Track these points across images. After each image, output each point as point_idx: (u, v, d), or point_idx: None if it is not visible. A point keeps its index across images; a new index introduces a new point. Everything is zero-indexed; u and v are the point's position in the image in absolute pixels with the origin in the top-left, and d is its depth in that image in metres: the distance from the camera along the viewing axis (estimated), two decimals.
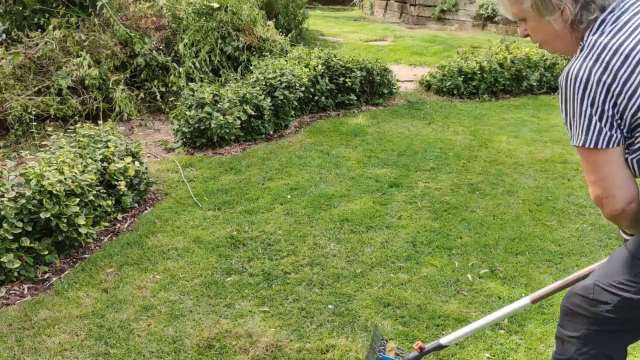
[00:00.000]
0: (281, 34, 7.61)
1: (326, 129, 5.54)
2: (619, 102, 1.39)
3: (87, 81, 5.37)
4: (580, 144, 1.45)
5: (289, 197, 3.97)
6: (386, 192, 4.09)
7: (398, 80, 7.00)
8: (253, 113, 5.06)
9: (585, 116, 1.42)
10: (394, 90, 6.77)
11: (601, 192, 1.47)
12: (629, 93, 1.38)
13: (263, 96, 5.21)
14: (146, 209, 3.79)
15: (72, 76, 5.32)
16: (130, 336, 2.50)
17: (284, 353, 2.41)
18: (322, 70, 6.08)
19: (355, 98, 6.32)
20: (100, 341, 2.47)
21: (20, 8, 5.82)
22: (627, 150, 1.45)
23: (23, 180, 3.08)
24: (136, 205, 3.82)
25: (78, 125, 4.08)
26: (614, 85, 1.38)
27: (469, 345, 2.48)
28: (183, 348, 2.42)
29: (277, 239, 3.39)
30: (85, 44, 5.63)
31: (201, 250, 3.25)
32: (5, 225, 2.86)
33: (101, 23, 5.97)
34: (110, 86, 5.51)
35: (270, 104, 5.26)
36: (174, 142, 5.09)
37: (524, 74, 7.12)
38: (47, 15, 5.84)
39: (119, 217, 3.65)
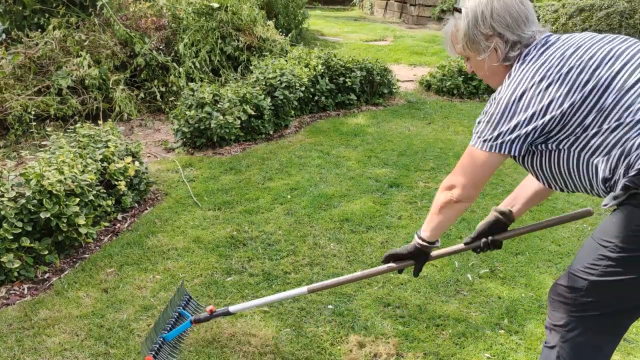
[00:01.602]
0: (281, 34, 7.61)
1: (326, 129, 5.54)
2: (535, 116, 1.59)
3: (87, 81, 5.37)
4: (485, 149, 1.67)
5: (289, 197, 3.97)
6: (386, 192, 4.09)
7: (398, 80, 7.01)
8: (253, 113, 5.07)
9: (499, 126, 1.64)
10: (394, 90, 6.77)
11: (462, 181, 1.73)
12: (544, 107, 1.58)
13: (263, 96, 5.21)
14: (146, 209, 3.79)
15: (72, 76, 5.32)
16: (130, 336, 2.50)
17: (284, 353, 2.41)
18: (322, 70, 6.09)
19: (355, 98, 6.32)
20: (100, 341, 2.46)
21: (20, 8, 5.82)
22: (551, 143, 1.64)
23: (23, 180, 3.08)
24: (136, 205, 3.82)
25: (78, 125, 4.08)
26: (531, 103, 1.59)
27: (469, 345, 2.48)
28: (182, 348, 2.42)
29: (277, 239, 3.39)
30: (85, 44, 5.63)
31: (201, 250, 3.25)
32: (5, 225, 2.86)
33: (101, 23, 5.97)
34: (110, 86, 5.51)
35: (270, 104, 5.26)
36: (174, 142, 5.09)
37: None
38: (47, 15, 5.84)
39: (119, 217, 3.65)
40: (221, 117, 4.82)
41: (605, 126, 1.53)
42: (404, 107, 6.45)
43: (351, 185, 4.19)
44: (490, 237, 2.02)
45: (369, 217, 3.68)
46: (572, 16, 9.08)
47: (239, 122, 4.96)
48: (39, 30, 5.74)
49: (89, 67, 5.43)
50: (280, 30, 8.34)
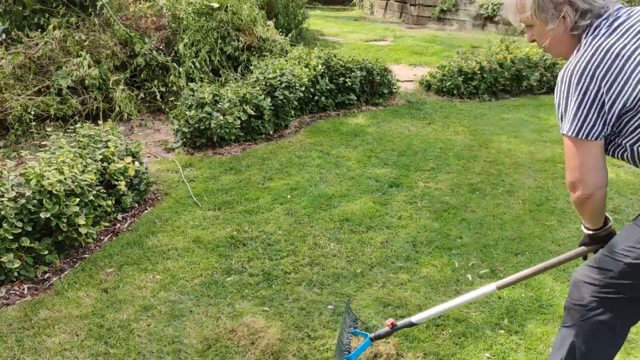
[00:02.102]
0: (281, 34, 7.61)
1: (326, 129, 5.54)
2: (609, 94, 1.54)
3: (87, 81, 5.37)
4: (569, 134, 1.61)
5: (289, 197, 3.97)
6: (386, 192, 4.09)
7: (398, 80, 7.00)
8: (253, 113, 5.06)
9: (574, 107, 1.58)
10: (394, 90, 6.77)
11: (577, 177, 1.65)
12: (619, 86, 1.53)
13: (263, 96, 5.20)
14: (146, 209, 3.79)
15: (72, 76, 5.32)
16: (130, 336, 2.50)
17: (284, 353, 2.41)
18: (322, 70, 6.08)
19: (355, 98, 6.32)
20: (100, 341, 2.46)
21: (20, 8, 5.82)
22: (619, 137, 1.62)
23: (23, 180, 3.08)
24: (136, 205, 3.82)
25: (78, 125, 4.08)
26: (605, 80, 1.54)
27: (469, 345, 2.48)
28: (183, 348, 2.42)
29: (277, 239, 3.39)
30: (85, 44, 5.63)
31: (201, 250, 3.25)
32: (5, 225, 2.86)
33: (101, 23, 5.97)
34: (110, 86, 5.51)
35: (270, 104, 5.26)
36: (174, 142, 5.09)
37: (524, 73, 7.12)
38: (47, 15, 5.84)
39: (119, 217, 3.65)
40: (221, 117, 4.82)
41: None
42: (404, 107, 6.45)
43: (351, 185, 4.19)
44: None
45: (369, 217, 3.68)
46: None
47: (239, 122, 4.96)
48: (39, 30, 5.74)
49: (89, 67, 5.43)
50: (280, 30, 8.34)
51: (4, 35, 5.88)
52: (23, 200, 2.94)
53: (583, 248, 1.94)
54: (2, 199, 2.94)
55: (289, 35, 7.70)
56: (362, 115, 6.05)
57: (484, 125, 5.81)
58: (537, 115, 6.27)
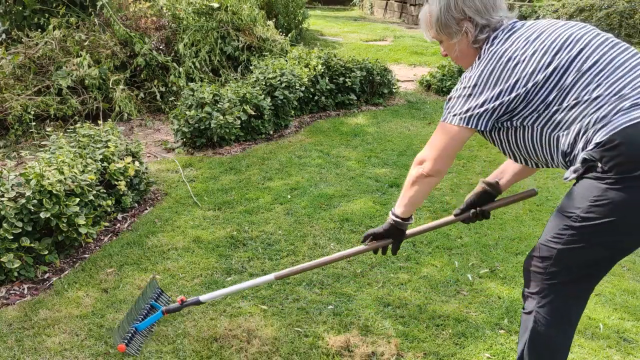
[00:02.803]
0: (281, 34, 7.61)
1: (326, 129, 5.54)
2: (504, 92, 1.72)
3: (87, 81, 5.37)
4: (459, 123, 1.78)
5: (289, 197, 3.97)
6: (386, 192, 4.09)
7: (398, 80, 7.00)
8: (253, 113, 5.06)
9: (474, 102, 1.76)
10: (394, 90, 6.77)
11: (434, 155, 1.85)
12: (510, 85, 1.71)
13: (263, 96, 5.20)
14: (146, 209, 3.79)
15: (72, 76, 5.32)
16: None
17: (284, 353, 2.41)
18: (322, 70, 6.09)
19: (355, 98, 6.32)
20: (100, 341, 2.46)
21: (20, 8, 5.82)
22: (510, 121, 1.78)
23: (23, 180, 3.08)
24: (136, 205, 3.82)
25: (78, 125, 4.08)
26: (499, 80, 1.72)
27: (469, 345, 2.48)
28: (182, 348, 2.42)
29: (277, 239, 3.39)
30: (85, 44, 5.63)
31: (201, 250, 3.25)
32: (5, 225, 2.86)
33: (101, 23, 5.97)
34: (110, 86, 5.51)
35: (270, 103, 5.26)
36: (174, 142, 5.09)
37: None
38: (47, 15, 5.84)
39: (119, 217, 3.65)
40: (221, 117, 4.82)
41: (565, 104, 1.67)
42: (404, 107, 6.45)
43: (351, 185, 4.19)
44: (478, 208, 2.17)
45: (369, 217, 3.68)
46: (572, 16, 9.08)
47: (239, 122, 4.96)
48: (39, 30, 5.74)
49: (89, 67, 5.43)
50: (280, 30, 8.34)
51: (4, 35, 5.88)
52: (23, 200, 2.94)
53: (374, 244, 2.14)
54: (2, 199, 2.93)
55: (289, 35, 7.70)
56: (362, 115, 6.05)
57: None
58: None
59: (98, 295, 2.81)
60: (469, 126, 1.78)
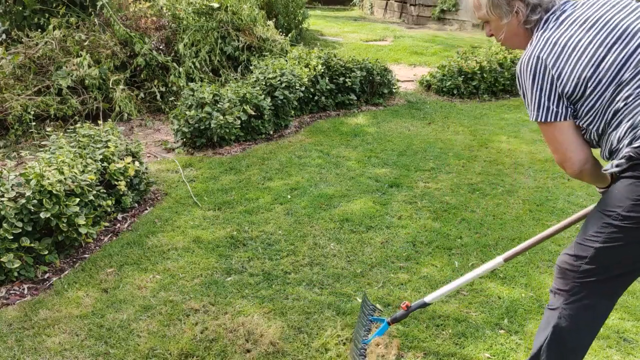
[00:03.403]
0: (281, 34, 7.61)
1: (326, 129, 5.54)
2: (559, 81, 1.70)
3: (87, 81, 5.37)
4: (534, 119, 1.77)
5: (289, 197, 3.97)
6: (386, 192, 4.09)
7: (398, 80, 7.00)
8: (253, 113, 5.06)
9: (535, 95, 1.74)
10: (394, 90, 6.77)
11: (561, 157, 1.79)
12: (566, 74, 1.69)
13: (263, 96, 5.20)
14: (146, 209, 3.79)
15: (72, 76, 5.32)
16: (130, 336, 2.50)
17: (284, 353, 2.41)
18: (322, 70, 6.08)
19: (355, 98, 6.32)
20: (100, 341, 2.46)
21: (20, 8, 5.82)
22: (577, 120, 1.75)
23: (23, 180, 3.08)
24: (136, 205, 3.82)
25: (78, 125, 4.08)
26: (554, 68, 1.70)
27: (469, 345, 2.48)
28: (182, 348, 2.42)
29: (277, 239, 3.39)
30: (85, 44, 5.63)
31: (201, 250, 3.25)
32: (5, 225, 2.86)
33: (101, 23, 5.97)
34: (110, 86, 5.51)
35: (270, 104, 5.26)
36: (174, 142, 5.09)
37: None
38: (47, 15, 5.84)
39: (119, 217, 3.65)
40: (221, 117, 4.82)
41: (620, 101, 1.64)
42: (404, 107, 6.45)
43: (351, 185, 4.19)
44: None
45: (369, 217, 3.68)
46: None
47: (239, 122, 4.96)
48: (39, 30, 5.74)
49: (89, 67, 5.43)
50: (280, 30, 8.34)
51: (4, 35, 5.88)
52: (23, 200, 2.94)
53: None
54: (2, 199, 2.93)
55: (289, 35, 7.70)
56: (362, 115, 6.05)
57: (484, 125, 5.82)
58: None
59: (98, 295, 2.81)
60: (557, 120, 1.74)
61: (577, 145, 1.77)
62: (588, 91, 1.68)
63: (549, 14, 1.78)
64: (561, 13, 1.77)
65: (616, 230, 1.65)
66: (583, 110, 1.72)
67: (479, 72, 6.97)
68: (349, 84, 6.20)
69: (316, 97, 6.05)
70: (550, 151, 1.84)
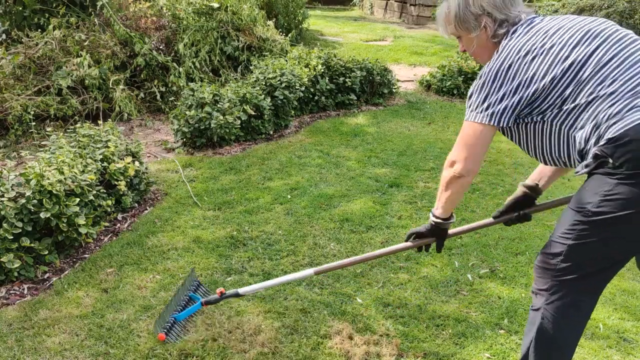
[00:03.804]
0: (281, 34, 7.61)
1: (326, 129, 5.54)
2: (522, 85, 1.74)
3: (87, 81, 5.37)
4: (481, 120, 1.80)
5: (289, 197, 3.97)
6: (386, 192, 4.09)
7: (398, 80, 7.01)
8: (253, 113, 5.06)
9: (493, 98, 1.77)
10: (394, 90, 6.77)
11: (464, 155, 1.84)
12: (528, 78, 1.73)
13: (263, 96, 5.20)
14: (146, 209, 3.79)
15: (72, 76, 5.32)
16: (130, 336, 2.50)
17: (284, 353, 2.41)
18: (322, 70, 6.08)
19: (355, 98, 6.32)
20: (100, 341, 2.46)
21: (20, 8, 5.82)
22: (530, 116, 1.80)
23: (23, 180, 3.08)
24: (136, 205, 3.82)
25: (78, 125, 4.08)
26: (518, 73, 1.74)
27: (469, 345, 2.48)
28: (182, 348, 2.42)
29: (277, 238, 3.39)
30: (85, 44, 5.63)
31: (201, 250, 3.25)
32: (5, 225, 2.86)
33: (101, 23, 5.97)
34: (110, 86, 5.51)
35: (270, 103, 5.26)
36: (174, 142, 5.09)
37: None
38: (47, 15, 5.84)
39: (119, 217, 3.65)
40: (221, 117, 4.82)
41: (581, 99, 1.69)
42: (404, 107, 6.45)
43: (351, 185, 4.19)
44: (521, 212, 2.21)
45: (369, 217, 3.68)
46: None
47: (239, 122, 4.96)
48: (39, 30, 5.74)
49: (89, 67, 5.43)
50: (280, 30, 8.34)
51: (4, 35, 5.88)
52: (23, 200, 2.94)
53: (417, 241, 2.15)
54: (2, 199, 2.93)
55: (289, 35, 7.70)
56: (362, 115, 6.05)
57: None
58: None
59: (98, 295, 2.81)
60: (492, 124, 1.79)
61: (481, 155, 1.86)
62: (550, 90, 1.72)
63: (516, 26, 1.83)
64: (529, 23, 1.82)
65: (587, 226, 1.67)
66: (543, 106, 1.76)
67: (478, 72, 6.96)
68: (349, 84, 6.20)
69: (316, 97, 6.05)
70: (457, 145, 1.88)
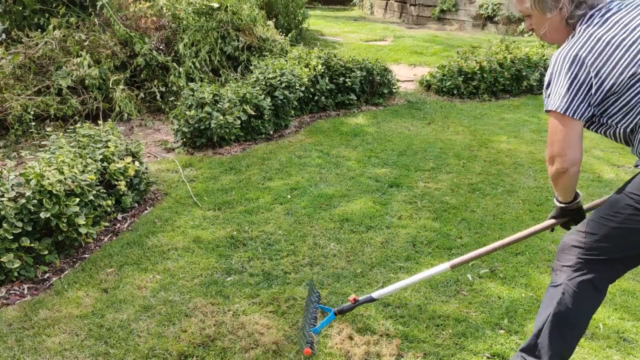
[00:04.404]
0: (281, 34, 7.61)
1: (326, 129, 5.54)
2: (597, 79, 1.70)
3: (87, 81, 5.37)
4: (558, 110, 1.75)
5: (289, 197, 3.97)
6: (386, 192, 4.09)
7: (398, 80, 7.00)
8: (253, 113, 5.06)
9: (567, 88, 1.73)
10: (394, 90, 6.77)
11: (558, 151, 1.80)
12: (607, 71, 1.69)
13: (263, 96, 5.20)
14: (146, 209, 3.79)
15: (72, 76, 5.32)
16: (130, 336, 2.50)
17: (284, 353, 2.41)
18: (322, 70, 6.08)
19: (355, 98, 6.32)
20: (100, 341, 2.46)
21: (20, 8, 5.82)
22: (603, 117, 1.78)
23: (23, 180, 3.08)
24: (136, 205, 3.82)
25: (78, 125, 4.08)
26: (594, 65, 1.70)
27: (469, 345, 2.48)
28: (182, 348, 2.42)
29: (277, 238, 3.39)
30: (85, 44, 5.63)
31: (201, 250, 3.25)
32: (5, 225, 2.86)
33: (101, 23, 5.97)
34: (110, 86, 5.51)
35: (270, 103, 5.26)
36: (174, 142, 5.09)
37: (523, 73, 7.12)
38: (47, 15, 5.84)
39: (119, 217, 3.65)
40: (221, 117, 4.82)
41: None
42: (404, 107, 6.45)
43: (351, 185, 4.19)
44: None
45: (369, 217, 3.68)
46: None
47: (239, 122, 4.96)
48: (39, 30, 5.74)
49: (89, 67, 5.43)
50: (280, 30, 8.34)
51: (4, 35, 5.88)
52: (23, 200, 2.94)
53: (552, 220, 2.11)
54: (2, 199, 2.93)
55: (289, 35, 7.70)
56: (362, 115, 6.05)
57: (484, 125, 5.81)
58: (537, 115, 6.28)
59: (98, 295, 2.81)
60: (574, 116, 1.74)
61: (578, 146, 1.79)
62: (626, 89, 1.69)
63: (594, 10, 1.77)
64: (607, 11, 1.77)
65: (636, 213, 1.71)
66: (616, 107, 1.74)
67: (479, 72, 6.97)
68: (349, 84, 6.19)
69: (316, 97, 6.05)
70: (549, 141, 1.84)
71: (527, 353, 2.05)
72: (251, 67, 6.22)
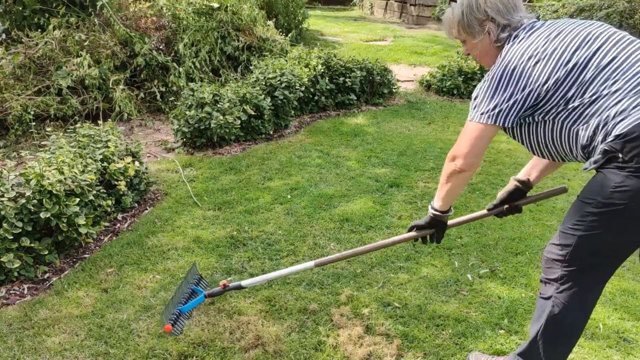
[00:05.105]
0: (281, 34, 7.62)
1: (326, 129, 5.54)
2: (526, 88, 1.79)
3: (87, 81, 5.37)
4: (484, 121, 1.85)
5: (289, 197, 3.97)
6: (386, 192, 4.09)
7: (398, 80, 7.01)
8: (253, 113, 5.06)
9: (498, 99, 1.83)
10: (394, 90, 6.77)
11: (465, 151, 1.89)
12: (532, 81, 1.79)
13: (263, 96, 5.20)
14: (146, 209, 3.79)
15: (72, 76, 5.32)
16: (130, 336, 2.50)
17: (284, 353, 2.41)
18: (322, 70, 6.08)
19: (355, 98, 6.32)
20: (100, 341, 2.46)
21: (20, 8, 5.82)
22: (533, 116, 1.85)
23: (23, 180, 3.08)
24: (136, 205, 3.82)
25: (78, 125, 4.08)
26: (521, 77, 1.80)
27: (469, 345, 2.48)
28: (183, 348, 2.42)
29: (277, 239, 3.39)
30: (85, 44, 5.63)
31: (201, 250, 3.25)
32: (5, 225, 2.86)
33: (101, 23, 5.97)
34: (110, 86, 5.51)
35: (270, 103, 5.26)
36: (174, 142, 5.09)
37: None
38: (47, 15, 5.84)
39: (119, 217, 3.65)
40: (221, 117, 4.82)
41: (585, 99, 1.75)
42: (404, 107, 6.45)
43: (351, 185, 4.19)
44: (512, 204, 2.27)
45: (369, 217, 3.68)
46: (572, 16, 9.07)
47: (239, 122, 4.96)
48: (39, 30, 5.74)
49: (89, 67, 5.43)
50: (280, 30, 8.35)
51: (4, 35, 5.88)
52: (23, 200, 2.94)
53: (413, 233, 2.20)
54: (2, 199, 2.93)
55: (289, 35, 7.70)
56: (362, 115, 6.05)
57: None
58: None
59: (98, 295, 2.81)
60: (497, 124, 1.85)
61: (481, 154, 1.92)
62: (553, 92, 1.78)
63: (518, 31, 1.89)
64: (530, 28, 1.88)
65: (597, 217, 1.73)
66: (546, 107, 1.82)
67: (479, 72, 6.97)
68: (349, 84, 6.20)
69: (316, 97, 6.05)
70: (460, 141, 1.93)
71: (524, 358, 2.08)
72: (251, 67, 6.22)
